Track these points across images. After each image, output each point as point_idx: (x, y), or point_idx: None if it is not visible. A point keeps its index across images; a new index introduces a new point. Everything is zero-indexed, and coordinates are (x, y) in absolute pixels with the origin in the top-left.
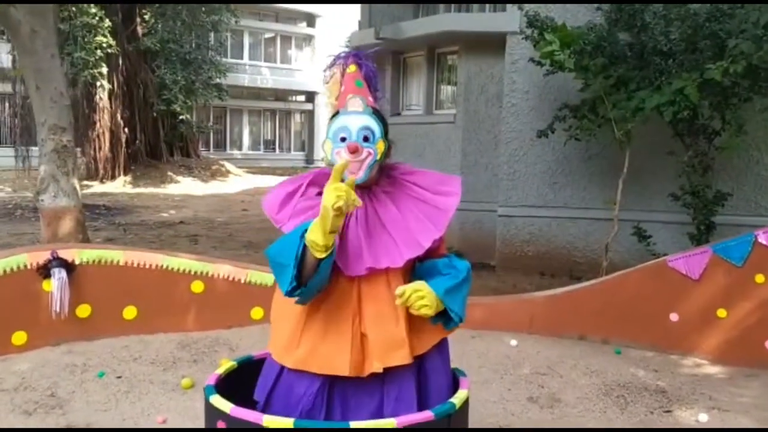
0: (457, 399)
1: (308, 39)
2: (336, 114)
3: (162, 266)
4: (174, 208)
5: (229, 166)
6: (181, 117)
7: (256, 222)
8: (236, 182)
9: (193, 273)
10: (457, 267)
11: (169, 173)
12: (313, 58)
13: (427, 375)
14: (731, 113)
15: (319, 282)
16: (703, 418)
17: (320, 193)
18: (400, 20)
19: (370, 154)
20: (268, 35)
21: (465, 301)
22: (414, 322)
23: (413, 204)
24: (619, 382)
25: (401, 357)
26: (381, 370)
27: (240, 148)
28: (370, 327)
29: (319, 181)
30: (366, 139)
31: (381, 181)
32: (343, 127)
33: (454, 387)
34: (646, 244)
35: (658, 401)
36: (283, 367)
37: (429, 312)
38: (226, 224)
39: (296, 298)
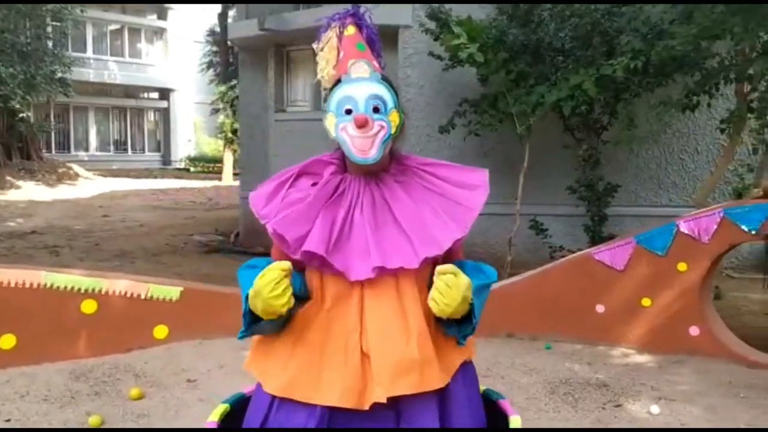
0: (515, 425)
1: (160, 32)
2: (337, 83)
3: (44, 285)
4: (21, 217)
5: (77, 168)
6: (20, 115)
7: (122, 229)
8: (87, 186)
9: (83, 291)
10: (486, 272)
11: (8, 178)
12: (166, 53)
13: (449, 407)
14: (622, 107)
15: (270, 330)
16: (655, 410)
17: (315, 184)
18: (280, 12)
19: (382, 127)
20: (113, 27)
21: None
22: (437, 341)
23: (431, 197)
24: (560, 378)
25: (410, 383)
26: (384, 400)
27: (86, 149)
28: (373, 344)
29: (313, 170)
30: (376, 109)
31: (392, 168)
32: (347, 97)
33: (489, 414)
34: (543, 237)
35: (605, 395)
36: (274, 398)
37: (446, 307)
38: (88, 232)
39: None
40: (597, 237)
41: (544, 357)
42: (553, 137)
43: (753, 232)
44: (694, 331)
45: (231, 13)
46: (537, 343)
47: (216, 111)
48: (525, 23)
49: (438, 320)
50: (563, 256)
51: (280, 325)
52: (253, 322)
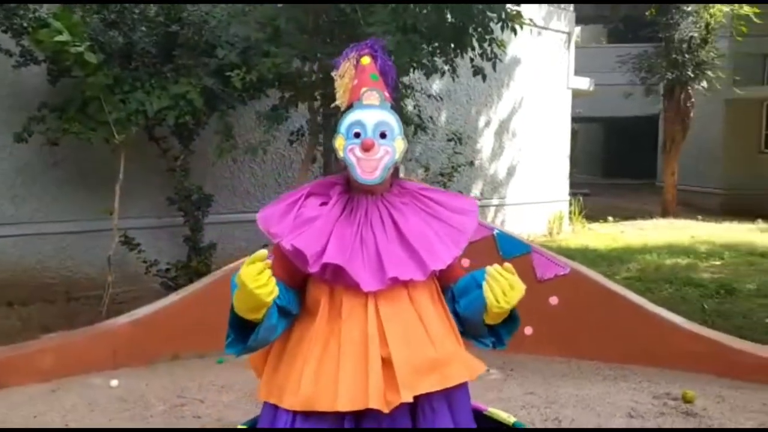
0: (512, 417)
1: None
2: (349, 108)
3: None
4: None
5: None
6: None
7: None
8: None
9: None
10: None
11: None
12: None
13: (455, 413)
14: (219, 118)
15: (263, 337)
16: None
17: (324, 203)
18: None
19: (387, 152)
20: None
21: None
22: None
23: (432, 221)
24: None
25: (433, 381)
26: (410, 399)
27: None
28: (394, 350)
29: (320, 190)
30: (383, 135)
31: (394, 189)
32: (357, 121)
33: None
34: (137, 253)
35: None
36: (296, 413)
37: (508, 306)
38: None
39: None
40: (197, 247)
41: (230, 370)
42: (138, 146)
43: None
44: None
45: None
46: (207, 360)
47: None
48: (113, 24)
49: (465, 333)
50: (159, 271)
51: (270, 330)
52: (240, 334)
